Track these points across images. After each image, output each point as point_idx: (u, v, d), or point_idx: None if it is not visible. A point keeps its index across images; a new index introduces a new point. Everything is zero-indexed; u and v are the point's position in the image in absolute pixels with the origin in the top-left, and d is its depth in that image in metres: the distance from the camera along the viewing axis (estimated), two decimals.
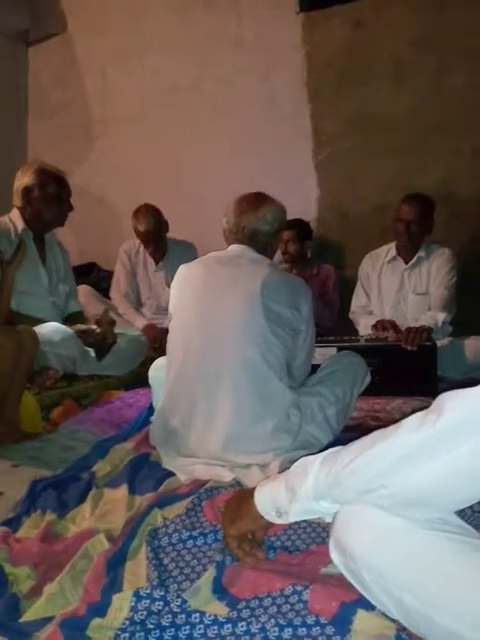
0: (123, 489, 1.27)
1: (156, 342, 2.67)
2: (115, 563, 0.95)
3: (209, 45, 3.51)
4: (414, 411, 2.21)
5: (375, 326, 2.45)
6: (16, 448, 1.55)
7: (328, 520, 0.82)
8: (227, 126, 3.47)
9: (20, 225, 2.21)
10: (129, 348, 2.41)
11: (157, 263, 3.08)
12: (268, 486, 0.87)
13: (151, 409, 1.77)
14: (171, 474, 1.35)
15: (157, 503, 1.17)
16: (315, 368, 1.69)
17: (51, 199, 2.21)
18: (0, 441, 1.61)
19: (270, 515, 0.85)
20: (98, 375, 2.19)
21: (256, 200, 1.56)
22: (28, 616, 0.83)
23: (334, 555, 0.79)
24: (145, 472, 1.36)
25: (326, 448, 1.48)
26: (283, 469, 1.38)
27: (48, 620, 0.82)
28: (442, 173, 2.95)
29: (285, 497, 0.82)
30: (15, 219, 2.23)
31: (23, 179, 2.21)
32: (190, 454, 1.43)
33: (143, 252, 3.10)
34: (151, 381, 1.77)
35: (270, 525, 0.89)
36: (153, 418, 1.66)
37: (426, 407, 2.19)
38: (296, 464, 0.84)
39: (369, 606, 0.79)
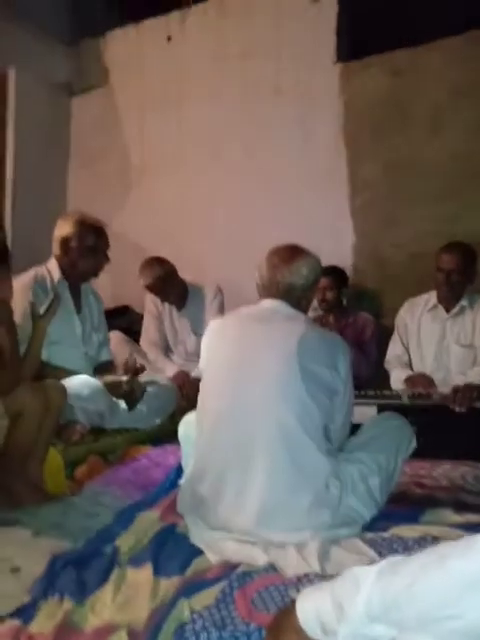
0: (148, 569, 1.17)
1: (185, 389, 2.60)
2: None
3: (247, 94, 3.56)
4: (463, 478, 2.03)
5: (408, 380, 2.32)
6: (37, 513, 1.47)
7: None
8: (263, 172, 3.47)
9: (57, 275, 2.21)
10: (158, 398, 2.34)
11: (179, 309, 3.05)
12: (312, 596, 0.75)
13: (179, 470, 1.68)
14: (199, 552, 1.24)
15: (184, 591, 1.06)
16: (354, 428, 1.58)
17: (88, 251, 2.21)
18: (22, 502, 1.54)
19: (314, 632, 0.73)
20: (126, 428, 2.12)
21: (290, 253, 1.49)
22: None
23: None
24: (171, 548, 1.26)
25: (369, 524, 1.39)
26: (323, 551, 1.28)
27: None
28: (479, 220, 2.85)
29: (332, 613, 0.70)
30: (52, 269, 2.24)
31: (62, 229, 2.22)
32: (220, 527, 1.32)
33: None
34: (181, 438, 1.68)
35: None
36: (181, 482, 1.57)
37: (476, 474, 2.02)
38: (345, 573, 0.73)
39: None
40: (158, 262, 2.91)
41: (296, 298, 1.48)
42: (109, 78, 4.13)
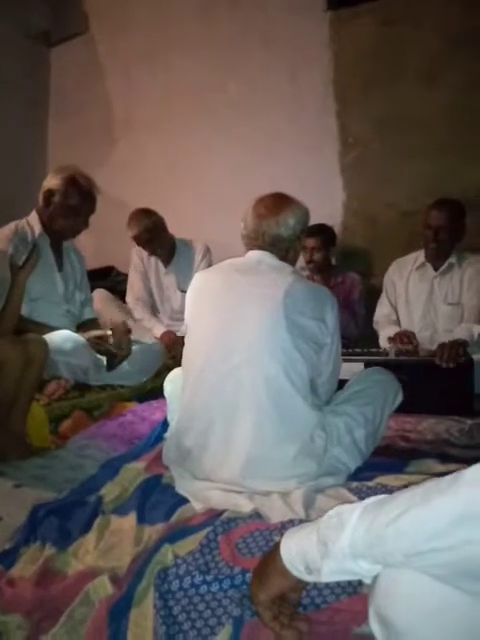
0: (131, 517, 1.16)
1: (173, 350, 2.57)
2: (119, 612, 0.84)
3: (234, 45, 3.42)
4: (448, 431, 2.05)
5: (393, 339, 2.32)
6: (21, 466, 1.46)
7: (367, 582, 0.70)
8: (251, 127, 3.36)
9: (37, 229, 2.13)
10: (144, 357, 2.31)
11: (166, 265, 2.99)
12: (297, 536, 0.74)
13: (165, 424, 1.66)
14: (184, 501, 1.24)
15: (168, 537, 1.05)
16: (341, 384, 1.57)
17: (68, 210, 2.12)
18: (6, 456, 1.52)
19: (298, 571, 0.72)
20: (111, 385, 2.10)
21: (276, 203, 1.44)
22: None
23: (375, 627, 0.66)
24: (156, 497, 1.25)
25: (354, 474, 1.40)
26: (307, 499, 1.28)
27: None
28: (476, 177, 2.79)
29: (316, 551, 0.69)
30: (33, 222, 2.16)
31: (51, 181, 2.13)
32: (205, 478, 1.32)
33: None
34: (166, 394, 1.67)
35: (303, 585, 0.76)
36: (167, 435, 1.56)
37: (461, 427, 2.04)
38: (330, 513, 0.72)
39: None
40: (146, 213, 2.84)
41: (283, 249, 1.44)
42: (89, 26, 3.94)
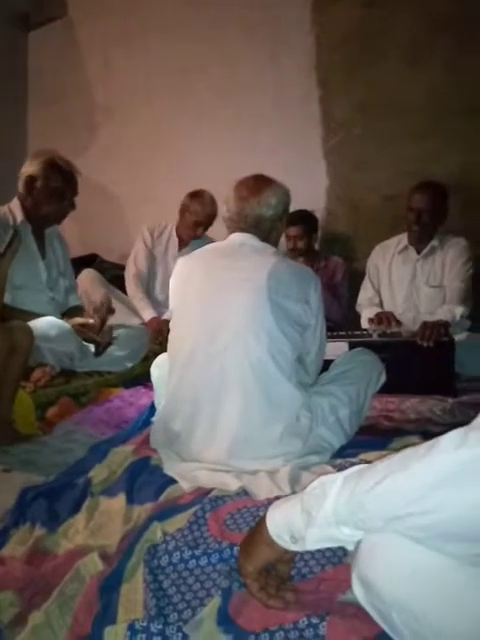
0: (121, 498, 1.17)
1: (159, 336, 2.57)
2: (109, 587, 0.86)
3: (215, 28, 3.38)
4: (431, 410, 2.09)
5: (372, 320, 2.35)
6: (8, 451, 1.46)
7: (350, 548, 0.72)
8: (233, 112, 3.34)
9: (19, 216, 2.11)
10: (130, 342, 2.31)
11: (180, 249, 2.97)
12: (282, 507, 0.76)
13: (152, 408, 1.68)
14: (173, 481, 1.25)
15: (157, 515, 1.07)
16: (326, 365, 1.59)
17: (52, 194, 2.09)
18: None
19: (284, 540, 0.74)
20: (97, 371, 2.10)
21: (257, 184, 1.44)
22: None
23: (357, 590, 0.69)
24: (145, 478, 1.27)
25: (339, 452, 1.42)
26: (293, 476, 1.30)
27: None
28: (458, 160, 2.82)
29: (301, 520, 0.71)
30: (14, 209, 2.13)
31: (30, 167, 2.10)
32: (193, 459, 1.33)
33: (168, 235, 3.01)
34: (153, 379, 1.68)
35: (291, 556, 0.78)
36: (154, 419, 1.57)
37: (444, 406, 2.08)
38: (313, 483, 0.74)
39: None
40: (212, 198, 2.83)
41: (265, 231, 1.45)
42: (68, 9, 3.87)
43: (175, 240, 3.00)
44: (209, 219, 2.85)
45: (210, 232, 2.97)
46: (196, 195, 2.86)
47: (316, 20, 3.12)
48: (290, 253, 2.89)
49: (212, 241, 2.92)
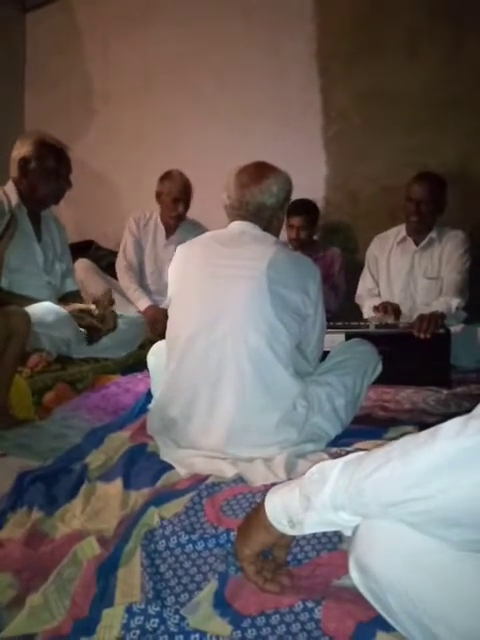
0: (117, 483, 1.18)
1: (156, 324, 2.57)
2: (106, 570, 0.87)
3: (215, 14, 3.34)
4: (425, 401, 2.11)
5: (377, 308, 2.36)
6: (4, 435, 1.46)
7: (348, 533, 0.73)
8: (232, 99, 3.31)
9: (14, 199, 2.09)
10: (127, 330, 2.31)
11: (168, 237, 2.96)
12: (280, 491, 0.76)
13: (149, 395, 1.68)
14: (169, 467, 1.26)
15: (154, 500, 1.07)
16: (324, 355, 1.60)
17: (48, 174, 2.08)
18: None
19: (281, 525, 0.74)
20: (94, 358, 2.10)
21: (258, 171, 1.43)
22: (8, 632, 0.75)
23: (354, 575, 0.70)
24: (142, 464, 1.27)
25: (334, 441, 1.43)
26: (289, 463, 1.31)
27: (30, 638, 0.74)
28: (457, 151, 2.81)
29: (299, 504, 0.72)
30: (9, 192, 2.11)
31: (21, 149, 2.08)
32: (190, 446, 1.34)
33: (154, 224, 2.98)
34: (150, 367, 1.67)
35: (288, 541, 0.79)
36: (151, 406, 1.57)
37: (438, 397, 2.09)
38: (312, 469, 0.74)
39: (390, 626, 0.70)
40: (181, 172, 2.85)
41: (266, 219, 1.44)
42: None
43: (161, 228, 2.97)
44: (185, 194, 2.84)
45: (203, 220, 2.94)
46: (165, 176, 2.86)
47: (318, 9, 3.09)
48: (291, 243, 2.88)
49: (199, 226, 2.93)
